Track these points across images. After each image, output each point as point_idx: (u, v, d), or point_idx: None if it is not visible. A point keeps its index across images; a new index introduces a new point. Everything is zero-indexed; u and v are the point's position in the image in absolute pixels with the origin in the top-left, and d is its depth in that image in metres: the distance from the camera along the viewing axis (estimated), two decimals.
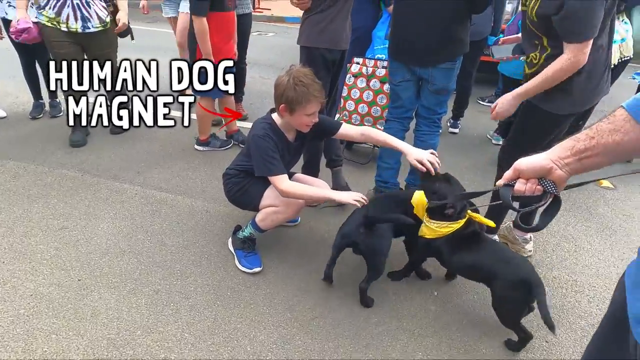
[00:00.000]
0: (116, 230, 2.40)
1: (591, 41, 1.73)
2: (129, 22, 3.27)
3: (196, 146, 3.39)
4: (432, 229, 1.90)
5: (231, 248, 2.26)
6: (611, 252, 2.50)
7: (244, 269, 2.15)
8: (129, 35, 3.37)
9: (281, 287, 2.08)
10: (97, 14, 3.05)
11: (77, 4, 2.96)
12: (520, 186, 0.91)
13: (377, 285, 2.13)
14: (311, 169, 2.71)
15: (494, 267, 1.79)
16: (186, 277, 2.09)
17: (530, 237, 2.42)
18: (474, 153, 3.65)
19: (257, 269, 2.14)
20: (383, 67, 3.05)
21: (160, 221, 2.51)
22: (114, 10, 3.19)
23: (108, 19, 3.14)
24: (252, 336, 1.80)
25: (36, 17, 3.07)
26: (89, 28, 3.05)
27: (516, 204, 0.97)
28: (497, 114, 2.03)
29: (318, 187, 2.21)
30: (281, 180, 1.98)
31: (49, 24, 2.99)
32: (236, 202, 2.24)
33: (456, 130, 4.02)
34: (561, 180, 0.88)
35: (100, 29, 3.10)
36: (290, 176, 2.33)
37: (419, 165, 1.95)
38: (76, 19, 2.99)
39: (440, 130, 2.63)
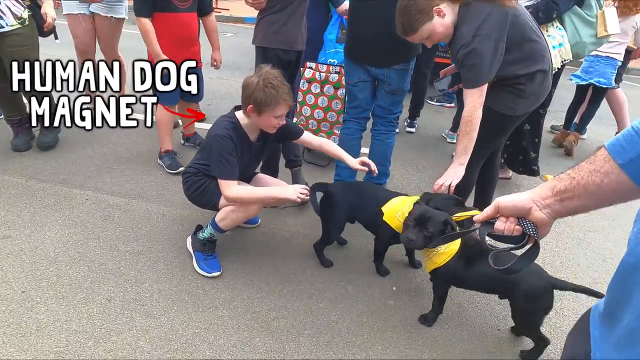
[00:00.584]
0: (65, 238, 2.28)
1: (485, 86, 1.88)
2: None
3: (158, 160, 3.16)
4: (438, 255, 1.82)
5: (190, 249, 2.21)
6: (556, 243, 2.65)
7: (202, 272, 2.10)
8: (52, 35, 3.06)
9: (240, 289, 2.05)
10: (9, 10, 2.72)
11: None
12: (499, 225, 0.87)
13: (336, 282, 2.15)
14: (270, 169, 2.70)
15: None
16: (141, 284, 2.02)
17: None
18: (431, 151, 3.76)
19: (216, 273, 2.10)
20: (336, 73, 3.07)
21: (113, 227, 2.41)
22: (30, 4, 2.87)
23: (25, 15, 2.81)
24: (211, 340, 1.77)
25: None
26: (2, 27, 2.72)
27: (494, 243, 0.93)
28: (451, 186, 1.97)
29: (268, 187, 2.19)
30: (229, 186, 1.96)
31: None
32: (196, 201, 2.19)
33: (413, 130, 4.13)
34: (542, 223, 0.82)
35: (16, 26, 2.77)
36: (253, 176, 2.31)
37: (362, 167, 2.15)
38: None
39: (397, 130, 2.70)
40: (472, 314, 2.04)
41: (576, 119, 4.14)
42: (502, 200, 0.86)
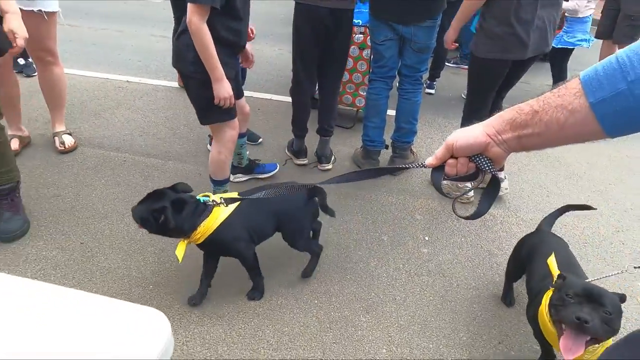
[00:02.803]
0: (111, 196, 2.40)
1: None
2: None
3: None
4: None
5: None
6: (577, 195, 2.74)
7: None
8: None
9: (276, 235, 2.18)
10: None
11: None
12: (449, 169, 0.78)
13: (371, 233, 2.27)
14: (300, 123, 2.72)
15: None
16: None
17: (505, 176, 2.63)
18: (450, 112, 3.80)
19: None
20: (360, 33, 3.07)
21: (154, 185, 2.50)
22: None
23: None
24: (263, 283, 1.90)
25: None
26: None
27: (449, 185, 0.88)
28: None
29: (218, 66, 1.80)
30: (202, 11, 1.67)
31: None
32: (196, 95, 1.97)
33: (432, 91, 4.16)
34: (499, 157, 0.75)
35: None
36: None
37: None
38: None
39: (423, 88, 2.74)
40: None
41: None
42: (454, 140, 0.75)
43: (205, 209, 1.60)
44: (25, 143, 2.77)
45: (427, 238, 2.28)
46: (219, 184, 2.19)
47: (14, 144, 2.61)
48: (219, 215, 1.62)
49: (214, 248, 1.72)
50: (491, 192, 0.80)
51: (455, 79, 4.56)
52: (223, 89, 1.85)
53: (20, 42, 1.85)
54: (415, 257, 2.14)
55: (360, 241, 2.21)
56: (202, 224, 1.58)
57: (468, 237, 2.30)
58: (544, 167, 3.05)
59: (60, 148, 2.75)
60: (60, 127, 2.82)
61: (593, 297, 1.21)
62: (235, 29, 1.87)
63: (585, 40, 3.92)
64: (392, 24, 2.44)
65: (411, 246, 2.21)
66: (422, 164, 0.82)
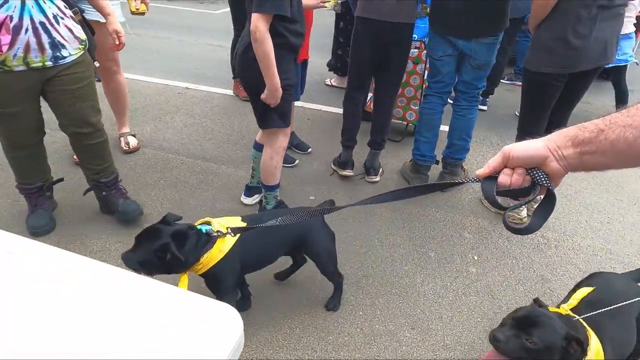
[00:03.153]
0: (169, 196, 2.54)
1: None
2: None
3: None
4: None
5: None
6: None
7: None
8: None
9: None
10: (71, 31, 1.88)
11: (41, 22, 1.76)
12: (504, 178, 0.72)
13: (418, 249, 2.25)
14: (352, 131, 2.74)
15: None
16: None
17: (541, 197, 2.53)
18: (503, 130, 3.70)
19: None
20: (415, 48, 3.08)
21: (209, 188, 2.64)
22: (82, 19, 2.03)
23: (84, 35, 1.98)
24: (305, 290, 1.93)
25: None
26: (64, 58, 1.87)
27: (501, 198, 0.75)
28: None
29: (275, 77, 1.88)
30: (267, 19, 1.76)
31: None
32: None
33: (484, 108, 4.06)
34: (556, 175, 0.70)
35: (79, 54, 1.93)
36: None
37: None
38: (42, 48, 1.79)
39: (478, 105, 2.70)
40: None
41: None
42: (512, 149, 0.71)
43: (208, 240, 1.45)
44: None
45: (476, 257, 2.22)
46: (270, 189, 2.26)
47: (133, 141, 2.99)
48: (224, 246, 1.48)
49: (211, 280, 1.56)
50: (546, 209, 0.73)
51: (508, 96, 4.44)
52: (274, 96, 1.93)
53: (123, 40, 2.17)
54: (463, 275, 2.10)
55: (407, 256, 2.20)
56: (205, 255, 1.44)
57: (519, 260, 2.23)
58: (604, 191, 2.89)
59: (125, 148, 2.95)
60: (125, 129, 3.03)
61: (525, 324, 1.22)
62: (297, 32, 1.95)
63: (631, 55, 3.79)
64: (452, 40, 2.43)
65: (459, 264, 2.17)
66: (473, 178, 0.77)
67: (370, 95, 3.19)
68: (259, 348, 1.68)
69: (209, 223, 1.51)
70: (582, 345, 1.18)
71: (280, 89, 1.92)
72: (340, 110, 2.87)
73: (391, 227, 2.39)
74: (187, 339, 0.60)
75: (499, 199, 0.74)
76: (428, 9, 3.44)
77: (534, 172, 0.71)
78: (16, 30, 1.71)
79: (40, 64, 1.81)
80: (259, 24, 1.76)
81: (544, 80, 2.21)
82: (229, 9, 3.57)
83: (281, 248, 1.71)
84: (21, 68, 1.78)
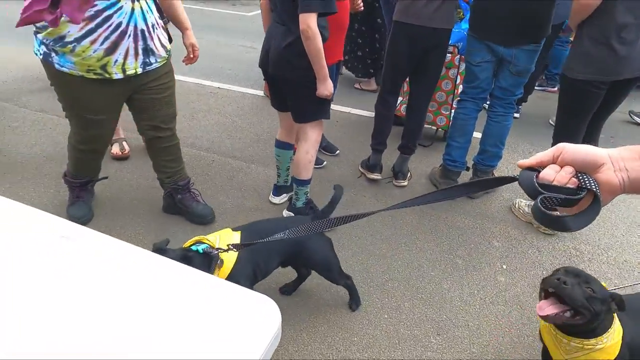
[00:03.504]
0: (202, 192, 2.60)
1: None
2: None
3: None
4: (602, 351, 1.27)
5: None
6: None
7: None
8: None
9: (354, 250, 2.21)
10: (160, 39, 1.94)
11: (142, 30, 1.81)
12: (549, 173, 0.64)
13: (445, 255, 2.23)
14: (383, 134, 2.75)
15: None
16: None
17: None
18: (536, 138, 3.62)
19: None
20: (449, 53, 3.05)
21: (238, 186, 2.70)
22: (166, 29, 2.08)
23: (169, 45, 2.06)
24: (333, 290, 1.95)
25: (42, 56, 1.79)
26: (151, 64, 1.92)
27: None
28: None
29: (324, 66, 1.96)
30: (315, 17, 1.82)
31: (85, 73, 1.77)
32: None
33: (517, 115, 3.98)
34: (609, 187, 0.62)
35: (164, 62, 2.01)
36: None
37: None
38: (136, 54, 1.84)
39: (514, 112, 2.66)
40: None
41: None
42: (568, 146, 0.65)
43: (211, 259, 1.40)
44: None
45: (504, 266, 2.19)
46: (302, 184, 2.29)
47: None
48: (228, 261, 1.46)
49: None
50: (588, 214, 0.64)
51: (541, 103, 4.33)
52: (327, 87, 2.01)
53: (197, 53, 2.34)
54: (491, 284, 2.07)
55: (434, 262, 2.18)
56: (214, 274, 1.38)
57: (550, 271, 2.15)
58: None
59: (117, 154, 2.89)
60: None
61: (582, 277, 1.24)
62: (326, 26, 1.99)
63: None
64: (492, 46, 2.39)
65: (487, 273, 2.13)
66: (510, 177, 0.71)
67: (400, 99, 3.18)
68: (283, 345, 1.71)
69: (200, 242, 1.46)
70: (623, 305, 1.21)
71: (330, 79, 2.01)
72: (369, 113, 2.88)
73: (418, 233, 2.38)
74: (226, 330, 0.61)
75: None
76: (462, 14, 3.43)
77: (584, 177, 0.63)
78: (122, 36, 1.76)
79: (134, 71, 1.86)
80: (310, 22, 1.82)
81: (585, 87, 2.15)
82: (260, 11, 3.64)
83: (275, 259, 1.64)
84: (119, 76, 1.83)
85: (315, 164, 2.82)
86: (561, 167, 0.65)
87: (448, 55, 3.05)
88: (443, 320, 1.86)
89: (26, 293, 0.64)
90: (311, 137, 2.19)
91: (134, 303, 0.65)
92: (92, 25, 1.68)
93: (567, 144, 0.66)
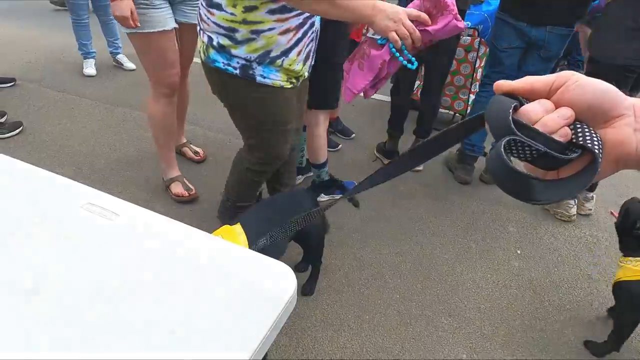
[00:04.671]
0: (223, 173, 2.65)
1: None
2: None
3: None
4: (625, 269, 1.56)
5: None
6: None
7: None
8: None
9: (367, 232, 2.23)
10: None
11: (318, 31, 1.60)
12: (536, 108, 0.42)
13: (459, 239, 2.24)
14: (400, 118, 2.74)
15: None
16: None
17: (593, 195, 2.45)
18: None
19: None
20: (468, 35, 3.01)
21: None
22: None
23: None
24: (346, 270, 1.98)
25: (238, 71, 1.50)
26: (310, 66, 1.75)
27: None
28: None
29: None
30: None
31: (285, 82, 1.55)
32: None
33: None
34: (620, 148, 0.40)
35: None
36: None
37: None
38: (308, 59, 1.62)
39: None
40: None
41: None
42: (574, 79, 0.42)
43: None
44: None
45: (519, 251, 2.18)
46: (319, 167, 2.33)
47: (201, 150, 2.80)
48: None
49: None
50: (570, 184, 0.41)
51: None
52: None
53: None
54: (505, 268, 2.07)
55: (447, 245, 2.19)
56: None
57: (566, 257, 2.17)
58: None
59: (196, 158, 2.79)
60: (184, 139, 2.84)
61: None
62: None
63: None
64: (525, 29, 2.31)
65: (501, 257, 2.14)
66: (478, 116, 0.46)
67: (417, 83, 3.16)
68: (296, 321, 1.75)
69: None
70: None
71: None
72: (385, 98, 2.87)
73: (431, 216, 2.39)
74: (243, 293, 0.61)
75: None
76: None
77: (583, 128, 0.41)
78: (314, 40, 1.58)
79: (304, 75, 1.64)
80: None
81: (617, 72, 2.07)
82: None
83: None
84: (300, 80, 1.63)
85: (330, 147, 2.85)
86: (556, 107, 0.43)
87: (467, 38, 3.00)
88: (455, 302, 1.87)
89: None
90: (319, 121, 2.21)
91: (149, 267, 0.68)
92: (299, 34, 1.48)
93: (578, 74, 0.43)
